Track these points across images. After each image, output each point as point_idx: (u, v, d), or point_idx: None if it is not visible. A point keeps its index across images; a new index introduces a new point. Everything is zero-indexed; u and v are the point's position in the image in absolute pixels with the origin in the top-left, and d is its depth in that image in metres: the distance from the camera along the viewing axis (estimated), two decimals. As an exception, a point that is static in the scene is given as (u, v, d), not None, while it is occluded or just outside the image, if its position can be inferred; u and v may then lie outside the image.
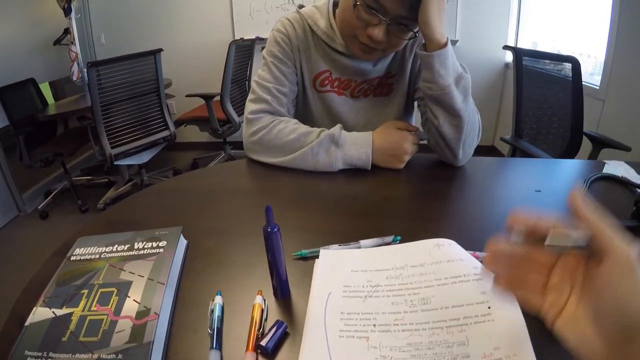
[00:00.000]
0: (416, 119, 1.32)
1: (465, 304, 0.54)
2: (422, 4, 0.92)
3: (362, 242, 0.72)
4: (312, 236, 0.76)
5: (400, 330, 0.52)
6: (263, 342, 0.51)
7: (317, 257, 0.68)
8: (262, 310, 0.57)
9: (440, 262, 0.62)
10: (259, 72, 1.18)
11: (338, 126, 1.07)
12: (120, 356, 0.48)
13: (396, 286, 0.59)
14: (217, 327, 0.54)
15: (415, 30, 1.00)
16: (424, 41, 0.99)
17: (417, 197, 0.94)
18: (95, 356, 0.48)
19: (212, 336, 0.53)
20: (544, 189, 0.93)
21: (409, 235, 0.72)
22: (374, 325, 0.53)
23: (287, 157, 1.06)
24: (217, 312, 0.57)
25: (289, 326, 0.55)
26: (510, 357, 0.47)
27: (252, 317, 0.55)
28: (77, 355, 0.49)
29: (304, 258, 0.70)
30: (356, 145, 1.05)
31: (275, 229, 0.57)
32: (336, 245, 0.71)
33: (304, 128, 1.08)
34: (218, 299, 0.59)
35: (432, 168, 1.09)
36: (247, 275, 0.67)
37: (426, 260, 0.63)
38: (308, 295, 0.60)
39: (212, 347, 0.51)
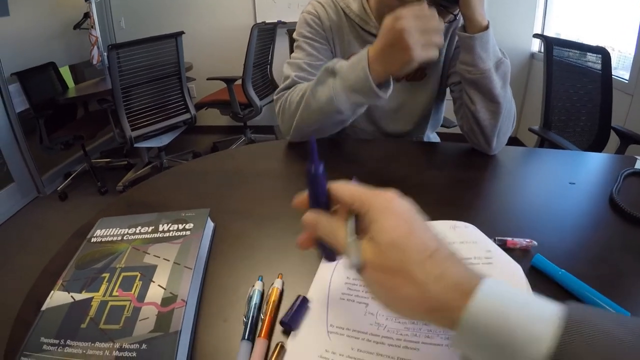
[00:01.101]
0: (447, 107, 1.26)
1: None
2: None
3: None
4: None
5: None
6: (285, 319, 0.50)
7: None
8: (281, 294, 0.54)
9: (454, 243, 0.61)
10: (291, 55, 1.14)
11: (338, 58, 0.96)
12: (144, 346, 0.44)
13: None
14: (253, 316, 0.50)
15: (455, 13, 0.96)
16: (461, 23, 0.95)
17: (449, 185, 0.90)
18: (117, 345, 0.44)
19: (247, 325, 0.49)
20: (578, 181, 0.89)
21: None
22: None
23: (298, 116, 1.00)
24: (255, 300, 0.52)
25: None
26: None
27: (270, 302, 0.52)
28: (97, 344, 0.45)
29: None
30: (352, 65, 0.89)
31: (321, 169, 0.43)
32: None
33: (310, 83, 0.99)
34: (258, 285, 0.55)
35: (464, 156, 1.05)
36: (277, 260, 0.63)
37: None
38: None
39: (243, 338, 0.47)
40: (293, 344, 0.48)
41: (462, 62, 0.97)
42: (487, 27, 0.92)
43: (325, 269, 0.58)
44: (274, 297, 0.53)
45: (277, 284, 0.55)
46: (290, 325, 0.49)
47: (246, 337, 0.47)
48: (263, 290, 0.55)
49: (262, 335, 0.48)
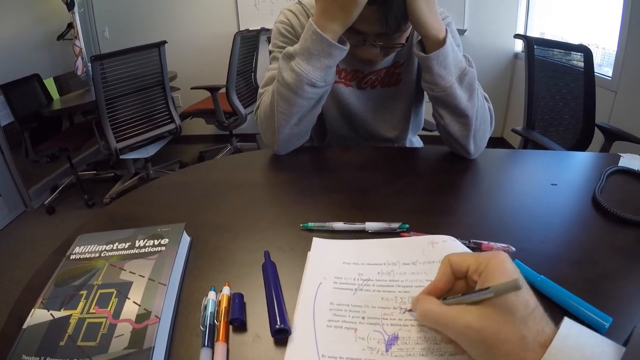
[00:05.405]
0: (428, 109, 1.28)
1: None
2: (408, 3, 0.85)
3: (368, 224, 0.72)
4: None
5: (389, 324, 0.52)
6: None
7: (322, 230, 0.73)
8: (230, 300, 0.56)
9: (433, 261, 0.61)
10: (269, 67, 1.13)
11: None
12: (119, 363, 0.45)
13: (387, 282, 0.59)
14: (210, 324, 0.52)
15: (401, 43, 0.97)
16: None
17: (429, 191, 0.90)
18: (94, 362, 0.46)
19: (204, 333, 0.51)
20: (560, 182, 0.90)
21: (418, 230, 0.70)
22: (363, 318, 0.53)
23: (276, 113, 0.99)
24: (210, 309, 0.54)
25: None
26: None
27: (221, 309, 0.54)
28: (75, 362, 0.46)
29: (309, 230, 0.73)
30: (303, 38, 0.93)
31: None
32: (341, 223, 0.72)
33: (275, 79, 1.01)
34: (211, 295, 0.57)
35: (445, 161, 1.05)
36: (254, 274, 0.63)
37: (418, 259, 0.62)
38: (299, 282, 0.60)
39: (203, 345, 0.49)
40: None
41: (424, 80, 0.97)
42: (444, 41, 0.90)
43: (307, 294, 0.58)
44: (224, 303, 0.55)
45: (225, 290, 0.58)
46: (239, 319, 0.53)
47: (206, 345, 0.49)
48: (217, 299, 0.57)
49: (221, 339, 0.50)
